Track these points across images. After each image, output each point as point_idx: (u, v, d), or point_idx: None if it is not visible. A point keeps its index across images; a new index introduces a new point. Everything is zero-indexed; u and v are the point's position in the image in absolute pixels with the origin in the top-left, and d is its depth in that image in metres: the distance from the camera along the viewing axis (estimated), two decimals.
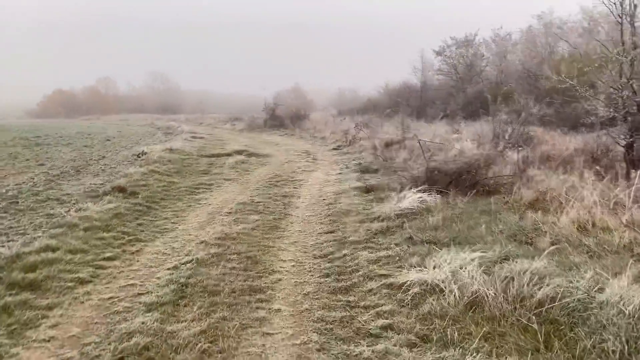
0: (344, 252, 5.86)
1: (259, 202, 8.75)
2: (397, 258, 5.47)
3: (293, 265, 5.53)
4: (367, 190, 9.25)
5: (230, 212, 7.96)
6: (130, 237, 6.55)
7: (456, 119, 18.45)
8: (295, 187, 10.19)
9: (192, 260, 5.55)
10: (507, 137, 11.90)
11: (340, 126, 24.83)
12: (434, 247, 5.67)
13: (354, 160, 13.77)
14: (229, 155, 15.15)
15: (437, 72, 33.78)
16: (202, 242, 6.30)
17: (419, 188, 8.32)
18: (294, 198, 9.20)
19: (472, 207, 7.43)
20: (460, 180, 8.63)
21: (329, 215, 7.80)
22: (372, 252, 5.76)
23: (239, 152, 15.61)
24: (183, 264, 5.51)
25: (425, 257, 5.28)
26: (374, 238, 6.35)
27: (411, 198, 7.21)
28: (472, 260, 4.94)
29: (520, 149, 10.66)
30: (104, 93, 72.04)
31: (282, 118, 30.42)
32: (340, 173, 11.82)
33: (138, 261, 5.72)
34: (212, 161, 14.10)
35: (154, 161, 12.80)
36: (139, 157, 14.17)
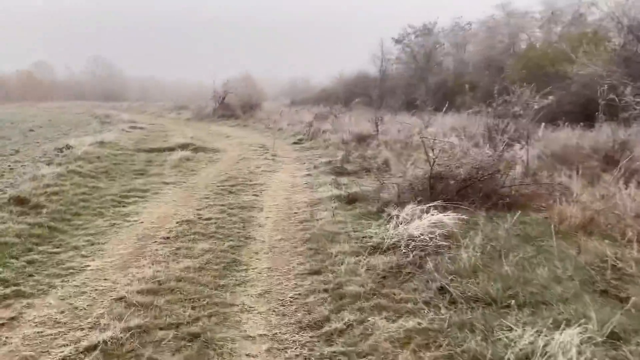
0: (346, 317, 3.65)
1: (209, 218, 6.41)
2: (438, 335, 3.33)
3: (268, 351, 3.29)
4: (350, 200, 7.08)
5: (168, 238, 5.59)
6: (7, 291, 4.11)
7: (425, 110, 16.55)
8: (255, 195, 7.90)
9: (96, 344, 3.23)
10: (505, 134, 10.01)
11: (297, 117, 22.59)
12: (488, 310, 3.58)
13: (321, 157, 11.56)
14: (172, 149, 12.62)
15: (396, 62, 31.98)
16: (120, 298, 3.96)
17: (419, 199, 6.26)
18: (255, 211, 6.92)
19: (502, 229, 5.40)
20: (471, 190, 6.61)
21: (306, 240, 5.57)
22: (391, 320, 3.58)
23: (184, 146, 13.10)
24: (81, 352, 3.19)
25: (487, 336, 3.18)
26: (385, 287, 4.17)
27: (426, 220, 5.07)
28: (570, 342, 2.91)
29: (525, 146, 8.77)
30: (40, 79, 66.48)
31: (233, 107, 27.84)
32: (308, 174, 9.59)
33: (5, 344, 3.34)
34: (152, 157, 11.57)
35: (78, 158, 10.19)
36: (61, 152, 11.46)
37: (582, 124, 12.36)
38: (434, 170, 6.61)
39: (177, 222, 6.19)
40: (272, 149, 12.92)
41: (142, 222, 6.28)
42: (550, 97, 9.68)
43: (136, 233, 5.81)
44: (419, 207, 5.57)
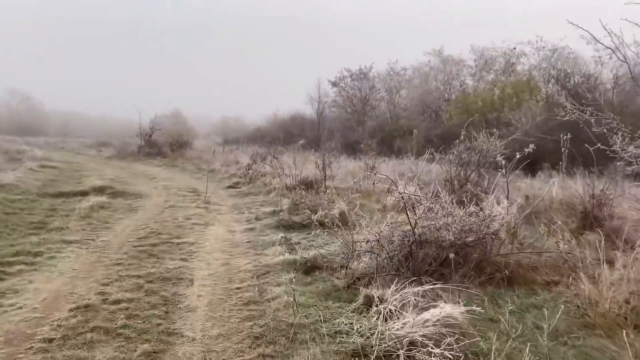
0: None
1: (118, 301, 4.56)
2: None
3: None
4: (309, 269, 5.49)
5: (51, 340, 3.73)
6: None
7: (369, 154, 15.36)
8: (184, 259, 6.10)
9: None
10: (468, 183, 8.86)
11: (231, 157, 20.86)
12: None
13: (263, 206, 9.90)
14: (84, 194, 10.54)
15: (333, 104, 31.17)
16: None
17: (398, 270, 4.81)
18: (183, 285, 5.14)
19: (517, 318, 3.98)
20: (460, 259, 5.20)
21: (257, 338, 3.88)
22: None
23: (100, 190, 11.04)
24: None
25: None
26: None
27: (428, 315, 3.56)
28: None
29: (503, 201, 7.57)
30: None
31: (161, 145, 25.71)
32: (250, 228, 7.90)
33: None
34: (57, 205, 9.43)
35: None
36: None
37: (539, 174, 11.53)
38: (416, 234, 5.17)
39: (70, 309, 4.30)
40: (204, 194, 11.11)
41: (21, 308, 4.35)
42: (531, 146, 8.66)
43: (5, 330, 3.89)
44: (412, 289, 4.07)
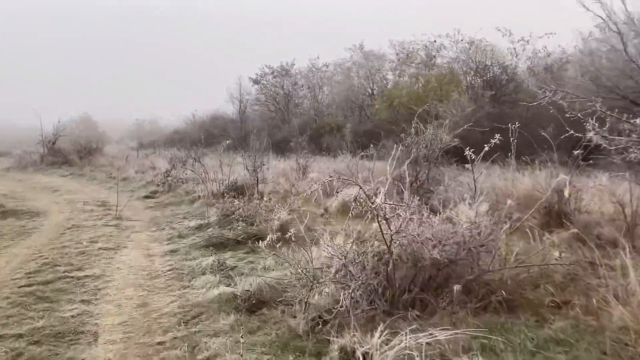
0: None
1: None
2: None
3: None
4: (253, 306, 4.19)
5: None
6: None
7: (300, 153, 14.18)
8: (86, 301, 4.57)
9: None
10: (416, 181, 7.90)
11: (147, 162, 18.93)
12: None
13: (187, 219, 8.43)
14: None
15: (256, 102, 29.71)
16: None
17: (372, 302, 3.69)
18: (82, 344, 3.67)
19: None
20: (443, 280, 4.13)
21: None
22: None
23: None
24: None
25: None
26: None
27: None
28: None
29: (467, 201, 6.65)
30: None
31: (66, 153, 23.11)
32: (173, 251, 6.40)
33: None
34: None
35: None
36: None
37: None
38: (394, 254, 4.02)
39: None
40: (116, 208, 9.42)
41: None
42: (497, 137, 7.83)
43: None
44: (405, 337, 2.91)
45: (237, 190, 9.64)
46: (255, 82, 29.66)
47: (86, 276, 5.33)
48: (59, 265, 5.73)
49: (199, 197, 9.96)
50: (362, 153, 12.43)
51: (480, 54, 24.26)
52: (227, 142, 11.86)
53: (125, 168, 17.31)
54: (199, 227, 7.51)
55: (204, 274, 5.14)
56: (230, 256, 5.88)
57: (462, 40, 25.11)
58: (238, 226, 6.79)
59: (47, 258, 6.07)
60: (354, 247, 4.18)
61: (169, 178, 11.50)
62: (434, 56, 25.17)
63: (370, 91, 26.82)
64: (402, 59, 26.19)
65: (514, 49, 23.95)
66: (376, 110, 21.75)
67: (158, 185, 12.45)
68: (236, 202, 8.09)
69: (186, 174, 11.51)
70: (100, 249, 6.52)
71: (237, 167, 12.47)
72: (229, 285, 4.65)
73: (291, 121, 26.70)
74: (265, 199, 8.70)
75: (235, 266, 5.38)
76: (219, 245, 6.39)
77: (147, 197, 11.60)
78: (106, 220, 8.58)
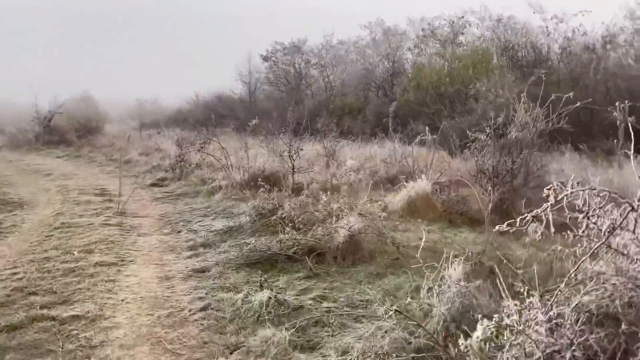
0: None
1: None
2: None
3: None
4: None
5: None
6: None
7: (329, 136, 12.25)
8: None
9: None
10: (513, 175, 5.98)
11: (151, 143, 16.97)
12: None
13: (208, 217, 6.54)
14: None
15: (266, 81, 27.64)
16: None
17: None
18: None
19: None
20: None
21: None
22: None
23: None
24: None
25: None
26: None
27: None
28: None
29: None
30: None
31: (64, 132, 21.16)
32: (199, 271, 4.50)
33: None
34: None
35: None
36: None
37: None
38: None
39: None
40: (118, 199, 7.53)
41: None
42: None
43: None
44: None
45: (267, 180, 7.72)
46: (265, 59, 27.55)
47: (74, 318, 3.45)
48: (36, 294, 3.86)
49: (220, 187, 8.03)
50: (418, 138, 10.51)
51: (510, 32, 22.24)
52: (254, 121, 9.82)
53: (128, 149, 15.35)
54: (229, 232, 5.62)
55: (258, 320, 3.26)
56: (286, 284, 3.99)
57: (489, 17, 23.08)
58: (285, 234, 4.87)
59: (20, 279, 4.19)
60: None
61: (181, 163, 9.56)
62: (462, 33, 23.12)
63: (390, 71, 24.77)
64: (426, 35, 24.09)
65: (546, 27, 21.82)
66: (402, 91, 19.70)
67: (167, 170, 10.53)
68: (273, 196, 6.18)
69: (203, 159, 9.56)
70: (97, 264, 4.62)
71: (255, 152, 10.57)
72: (311, 351, 2.78)
73: (304, 102, 24.69)
74: (306, 192, 6.81)
75: (301, 306, 3.49)
76: (264, 263, 4.51)
77: (154, 184, 9.68)
78: (106, 217, 6.68)
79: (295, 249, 4.62)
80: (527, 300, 2.29)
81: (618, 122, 6.76)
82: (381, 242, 4.77)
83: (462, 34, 23.13)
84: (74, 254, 4.93)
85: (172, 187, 9.19)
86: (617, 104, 6.66)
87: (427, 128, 8.52)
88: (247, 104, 25.93)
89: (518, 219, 2.39)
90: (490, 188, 5.65)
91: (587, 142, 10.56)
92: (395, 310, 2.70)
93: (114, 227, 6.12)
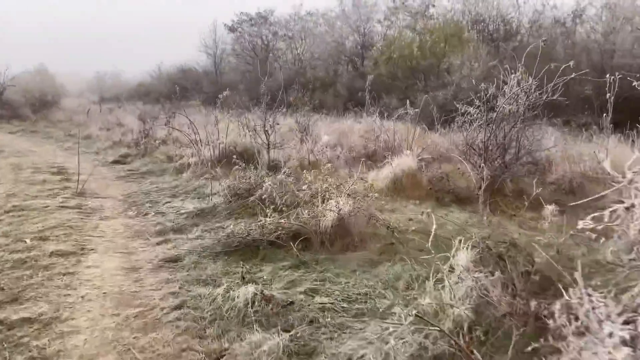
0: None
1: None
2: None
3: None
4: None
5: None
6: None
7: (302, 110, 11.71)
8: None
9: None
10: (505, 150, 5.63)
11: (111, 118, 16.06)
12: None
13: (177, 197, 6.01)
14: None
15: (232, 53, 26.69)
16: None
17: None
18: None
19: None
20: None
21: None
22: None
23: None
24: None
25: None
26: None
27: None
28: None
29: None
30: None
31: (17, 106, 19.94)
32: (170, 260, 4.01)
33: None
34: None
35: None
36: None
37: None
38: None
39: None
40: (77, 179, 6.87)
41: None
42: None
43: None
44: None
45: (240, 157, 7.20)
46: (231, 29, 26.58)
47: (24, 321, 2.92)
48: None
49: (188, 164, 7.46)
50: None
51: (480, 5, 21.96)
52: (226, 93, 9.16)
53: (87, 124, 14.46)
54: (202, 214, 5.12)
55: (244, 322, 2.81)
56: (270, 275, 3.54)
57: None
58: (266, 217, 4.39)
59: None
60: None
61: (145, 139, 8.90)
62: (434, 5, 22.71)
63: (361, 44, 24.22)
64: (397, 7, 23.57)
65: (517, 1, 21.64)
66: (373, 65, 19.22)
67: (129, 146, 9.85)
68: (249, 174, 5.68)
69: (170, 134, 8.91)
70: (53, 253, 4.06)
71: (225, 126, 10.00)
72: (309, 358, 2.36)
73: (273, 74, 23.93)
74: (285, 170, 6.33)
75: (292, 302, 3.06)
76: (245, 250, 4.04)
77: (116, 162, 9.02)
78: (63, 198, 6.06)
79: (277, 233, 4.16)
80: (587, 297, 1.89)
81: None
82: (371, 226, 4.36)
83: (434, 6, 22.72)
84: (26, 242, 4.35)
85: (136, 165, 8.55)
86: (607, 76, 6.37)
87: (407, 101, 8.05)
88: (213, 76, 24.99)
89: (607, 212, 1.95)
90: (481, 164, 5.30)
91: (561, 116, 10.41)
92: (416, 315, 2.28)
93: (72, 210, 5.52)
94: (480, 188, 5.20)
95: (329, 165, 5.43)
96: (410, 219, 4.84)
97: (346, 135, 10.06)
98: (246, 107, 12.67)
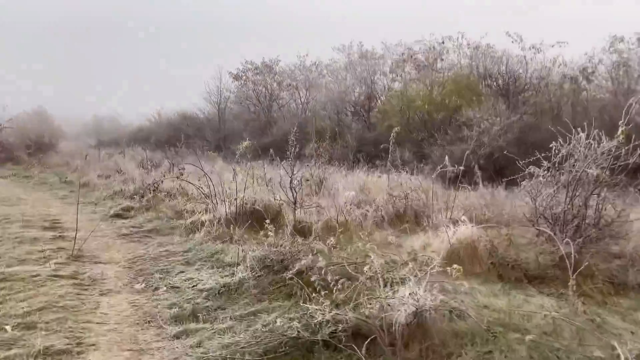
0: None
1: None
2: None
3: None
4: None
5: None
6: None
7: (319, 161, 10.94)
8: None
9: None
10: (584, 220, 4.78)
11: (111, 163, 15.21)
12: None
13: (192, 264, 5.03)
14: None
15: (237, 100, 26.22)
16: None
17: None
18: None
19: None
20: None
21: None
22: None
23: None
24: None
25: None
26: None
27: None
28: None
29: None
30: None
31: (13, 148, 19.14)
32: None
33: None
34: None
35: None
36: None
37: None
38: None
39: None
40: (72, 236, 5.90)
41: None
42: None
43: None
44: None
45: (261, 217, 6.32)
46: (236, 77, 26.23)
47: None
48: None
49: (202, 223, 6.52)
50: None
51: (489, 61, 21.75)
52: (245, 143, 8.19)
53: (85, 171, 13.57)
54: (226, 292, 4.17)
55: None
56: None
57: (467, 44, 22.56)
58: (316, 303, 3.45)
59: None
60: None
61: (152, 192, 7.99)
62: (442, 59, 22.47)
63: (367, 95, 23.85)
64: (405, 60, 23.32)
65: (524, 56, 21.37)
66: (383, 117, 18.67)
67: (132, 197, 8.93)
68: (280, 241, 4.77)
69: (181, 186, 8.02)
70: (40, 353, 3.08)
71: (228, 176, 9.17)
72: None
73: (277, 123, 23.40)
74: (313, 235, 5.44)
75: None
76: (292, 353, 3.08)
77: (117, 215, 8.07)
78: (57, 264, 5.08)
79: (333, 328, 3.22)
80: None
81: None
82: (449, 319, 3.43)
83: (442, 59, 22.49)
84: (6, 330, 3.37)
85: (139, 220, 7.60)
86: None
87: (447, 157, 7.23)
88: (215, 124, 24.35)
89: None
90: (564, 237, 4.43)
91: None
92: None
93: (67, 281, 4.54)
94: (565, 266, 4.30)
95: (371, 227, 4.54)
96: (486, 307, 3.92)
97: (368, 190, 9.24)
98: (254, 156, 11.85)
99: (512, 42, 20.85)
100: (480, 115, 13.38)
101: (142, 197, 8.49)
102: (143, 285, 4.60)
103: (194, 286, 4.45)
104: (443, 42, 22.24)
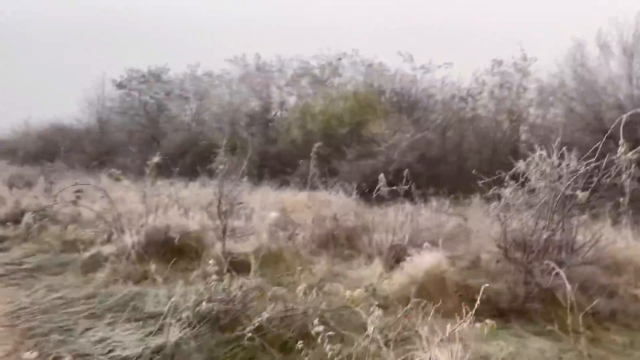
0: None
1: None
2: None
3: None
4: None
5: None
6: None
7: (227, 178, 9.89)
8: None
9: None
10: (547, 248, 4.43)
11: None
12: None
13: (100, 318, 3.85)
14: None
15: (121, 111, 23.93)
16: None
17: None
18: None
19: None
20: None
21: None
22: None
23: None
24: None
25: None
26: None
27: None
28: None
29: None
30: None
31: None
32: None
33: None
34: None
35: None
36: None
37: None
38: None
39: None
40: None
41: None
42: None
43: None
44: None
45: (180, 249, 5.26)
46: (120, 86, 24.04)
47: None
48: None
49: (105, 257, 5.24)
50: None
51: (382, 78, 22.19)
52: (155, 159, 6.80)
53: None
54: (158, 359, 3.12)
55: None
56: None
57: (361, 61, 22.82)
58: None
59: None
60: None
61: (37, 220, 6.45)
62: (340, 75, 22.49)
63: (263, 108, 23.10)
64: (301, 75, 22.98)
65: (415, 75, 22.07)
66: (286, 131, 18.00)
67: (4, 224, 7.24)
68: (232, 289, 3.80)
69: (77, 211, 6.55)
70: None
71: (130, 197, 8.00)
72: None
73: (167, 136, 21.74)
74: (253, 270, 4.53)
75: None
76: None
77: None
78: None
79: None
80: None
81: None
82: None
83: (340, 75, 22.48)
84: None
85: (17, 254, 6.05)
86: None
87: (381, 175, 6.63)
88: (96, 135, 21.93)
89: None
90: (536, 266, 4.00)
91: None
92: None
93: None
94: (544, 297, 3.86)
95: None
96: (484, 358, 3.32)
97: (289, 210, 8.45)
98: (140, 172, 10.43)
99: (404, 61, 21.45)
100: (388, 131, 13.22)
101: (17, 223, 6.87)
102: (35, 354, 3.36)
103: (109, 352, 3.32)
104: (340, 59, 22.26)
